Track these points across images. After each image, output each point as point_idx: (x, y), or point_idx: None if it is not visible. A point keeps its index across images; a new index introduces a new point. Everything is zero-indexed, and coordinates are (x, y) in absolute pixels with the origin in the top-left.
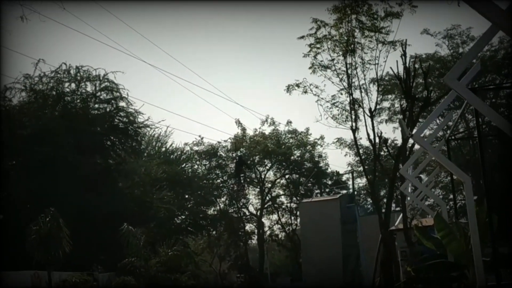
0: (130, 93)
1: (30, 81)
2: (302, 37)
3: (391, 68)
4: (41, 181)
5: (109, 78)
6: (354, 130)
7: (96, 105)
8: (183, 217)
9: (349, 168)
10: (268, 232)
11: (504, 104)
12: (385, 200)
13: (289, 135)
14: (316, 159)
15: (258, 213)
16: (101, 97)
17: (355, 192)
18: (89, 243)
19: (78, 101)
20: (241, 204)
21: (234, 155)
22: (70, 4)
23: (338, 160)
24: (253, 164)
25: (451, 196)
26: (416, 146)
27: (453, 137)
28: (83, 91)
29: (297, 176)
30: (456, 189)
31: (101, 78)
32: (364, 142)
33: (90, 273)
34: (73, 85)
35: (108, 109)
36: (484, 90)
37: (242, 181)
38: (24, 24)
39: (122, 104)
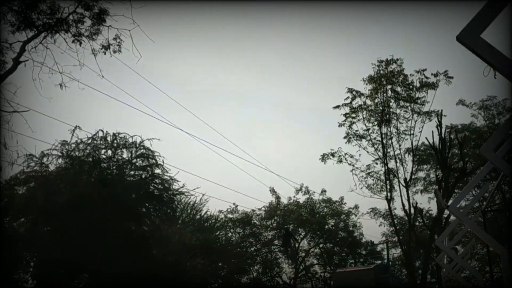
0: (166, 160)
1: (67, 148)
2: (338, 106)
3: (426, 138)
4: (76, 247)
5: (145, 145)
6: (389, 200)
7: (132, 172)
8: (217, 285)
9: (384, 238)
10: None
11: None
12: (420, 271)
13: (324, 204)
14: (351, 228)
15: (292, 282)
16: (137, 164)
17: (390, 263)
18: None
19: (114, 167)
20: (275, 272)
21: (268, 223)
22: (108, 71)
23: (372, 230)
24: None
25: (487, 268)
26: (452, 217)
27: (489, 209)
28: (119, 157)
29: (331, 245)
30: (492, 261)
31: (137, 145)
32: (399, 212)
33: None
34: (109, 152)
35: (143, 176)
36: None
37: (289, 252)
38: (63, 92)
39: (157, 171)
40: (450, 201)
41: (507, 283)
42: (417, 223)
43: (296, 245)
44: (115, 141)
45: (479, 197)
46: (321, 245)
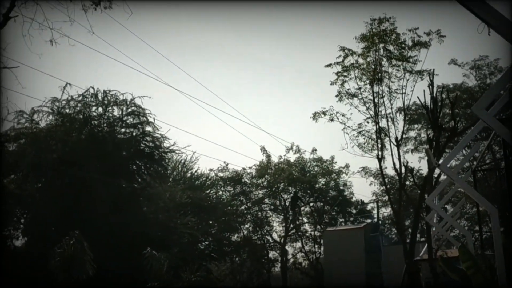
0: (157, 118)
1: (58, 105)
2: (329, 65)
3: (418, 97)
4: (66, 204)
5: (136, 103)
6: (380, 159)
7: (123, 130)
8: (207, 243)
9: (374, 197)
10: (292, 260)
11: None
12: (410, 230)
13: (314, 163)
14: (341, 187)
15: (282, 241)
16: (128, 121)
17: (380, 222)
18: (112, 267)
19: (105, 125)
20: (265, 231)
21: (259, 181)
22: (99, 28)
23: (363, 189)
24: (277, 192)
25: (477, 228)
26: (442, 177)
27: (479, 168)
28: (110, 115)
29: (321, 204)
30: (482, 220)
31: (128, 103)
32: (390, 171)
33: None
34: (100, 109)
35: (134, 134)
36: None
37: (296, 216)
38: (54, 48)
39: (148, 129)
40: (441, 161)
41: (496, 242)
42: (407, 183)
43: (302, 209)
44: (105, 99)
45: (469, 157)
46: (311, 204)
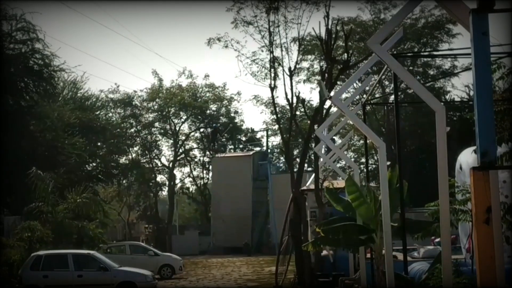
0: (48, 36)
1: None
2: None
3: (313, 28)
4: None
5: (26, 19)
6: (272, 88)
7: (11, 45)
8: (94, 164)
9: (264, 126)
10: (179, 185)
11: (420, 73)
12: (298, 159)
13: (206, 89)
14: (232, 114)
15: (170, 165)
16: (17, 37)
17: (269, 150)
18: None
19: None
20: (154, 155)
21: (149, 105)
22: None
23: (254, 118)
24: (168, 116)
25: (363, 160)
26: (333, 109)
27: (369, 102)
28: None
29: (212, 130)
30: (368, 153)
31: (17, 18)
32: (281, 101)
33: None
34: None
35: (23, 50)
36: (404, 57)
37: (215, 148)
38: None
39: (38, 46)
40: (332, 93)
41: (382, 175)
42: (298, 113)
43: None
44: None
45: (360, 90)
46: (201, 130)
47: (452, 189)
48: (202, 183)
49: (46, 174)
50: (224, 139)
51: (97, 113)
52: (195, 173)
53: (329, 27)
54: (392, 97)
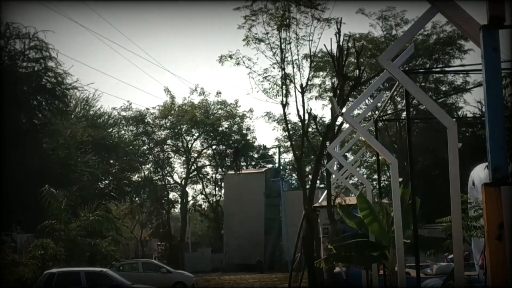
0: (60, 54)
1: None
2: (238, 8)
3: (324, 45)
4: None
5: (39, 37)
6: (284, 105)
7: (24, 64)
8: (107, 182)
9: (277, 143)
10: (192, 202)
11: (432, 89)
12: (310, 176)
13: (218, 106)
14: (244, 131)
15: (183, 182)
16: (30, 55)
17: (281, 167)
18: (9, 203)
19: (6, 58)
20: (166, 172)
21: (162, 122)
22: None
23: (266, 135)
24: (180, 133)
25: (376, 176)
26: (344, 125)
27: (381, 118)
28: (12, 48)
29: (224, 147)
30: (380, 169)
31: (30, 36)
32: (293, 117)
33: (9, 233)
34: (1, 42)
35: (36, 68)
36: (415, 73)
37: (238, 168)
38: None
39: (51, 64)
40: (344, 109)
41: (394, 191)
42: (310, 129)
43: (242, 162)
44: (7, 31)
45: (372, 107)
46: (213, 147)
47: (464, 205)
48: (214, 200)
49: (59, 191)
50: (242, 158)
51: (110, 130)
52: (207, 190)
53: (341, 43)
54: (404, 113)
